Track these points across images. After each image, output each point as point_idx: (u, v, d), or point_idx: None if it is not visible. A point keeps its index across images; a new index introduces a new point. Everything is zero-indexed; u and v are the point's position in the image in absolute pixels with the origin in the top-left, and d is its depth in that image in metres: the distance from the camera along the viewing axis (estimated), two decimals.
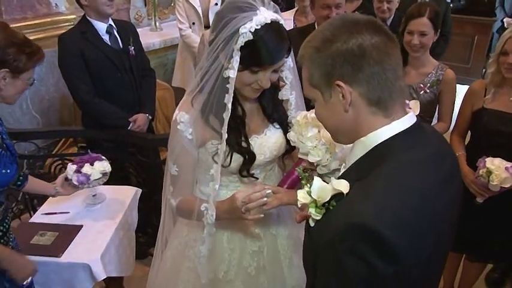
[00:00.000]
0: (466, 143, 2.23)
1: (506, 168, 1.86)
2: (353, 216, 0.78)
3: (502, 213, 2.05)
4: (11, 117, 3.06)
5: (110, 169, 1.92)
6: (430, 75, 2.23)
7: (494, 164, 1.90)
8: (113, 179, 2.00)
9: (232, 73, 1.20)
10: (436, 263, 0.90)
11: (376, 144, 0.87)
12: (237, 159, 1.34)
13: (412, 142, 0.87)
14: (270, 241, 1.49)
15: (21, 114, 3.15)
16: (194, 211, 1.35)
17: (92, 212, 2.05)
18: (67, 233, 1.89)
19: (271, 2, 1.24)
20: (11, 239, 1.66)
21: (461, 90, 2.29)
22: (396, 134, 0.87)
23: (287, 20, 2.80)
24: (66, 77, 2.49)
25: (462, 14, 5.48)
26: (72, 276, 1.78)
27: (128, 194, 2.20)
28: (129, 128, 2.58)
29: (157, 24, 4.32)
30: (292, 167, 1.39)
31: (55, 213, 2.04)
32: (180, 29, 3.64)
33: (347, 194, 0.84)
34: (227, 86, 1.22)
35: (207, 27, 3.56)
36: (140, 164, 2.59)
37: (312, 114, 1.29)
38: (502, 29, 5.59)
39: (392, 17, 3.03)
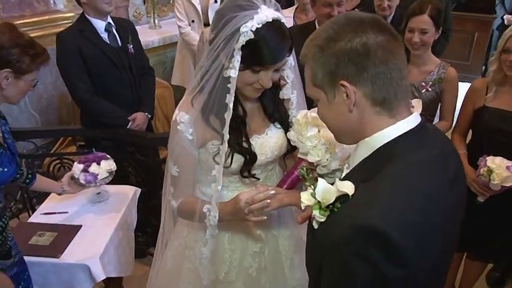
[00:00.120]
0: (467, 142, 2.22)
1: (508, 167, 1.85)
2: (359, 218, 0.77)
3: (502, 213, 2.04)
4: (9, 116, 2.99)
5: (115, 168, 1.96)
6: (432, 74, 2.21)
7: (495, 162, 1.89)
8: (112, 178, 2.00)
9: (233, 73, 1.19)
10: (443, 264, 0.89)
11: (381, 144, 0.86)
12: (238, 160, 1.32)
13: (418, 143, 0.86)
14: (271, 242, 1.48)
15: (19, 113, 3.13)
16: (196, 213, 1.34)
17: (91, 212, 2.04)
18: (66, 233, 1.88)
19: (272, 0, 1.22)
20: (8, 239, 1.65)
21: (461, 87, 2.28)
22: (401, 135, 0.86)
23: (287, 18, 2.77)
24: (65, 76, 2.47)
25: (462, 11, 5.46)
26: (71, 277, 1.77)
27: (127, 194, 2.18)
28: (128, 127, 2.57)
29: (156, 22, 4.30)
30: (292, 167, 1.37)
31: (54, 213, 2.03)
32: (179, 27, 3.62)
33: (352, 195, 0.82)
34: (228, 85, 1.21)
35: (206, 25, 3.54)
36: (139, 163, 2.58)
37: (312, 113, 1.28)
38: (502, 26, 5.58)
39: (392, 15, 3.01)
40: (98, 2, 2.39)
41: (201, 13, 3.61)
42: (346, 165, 0.98)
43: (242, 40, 1.15)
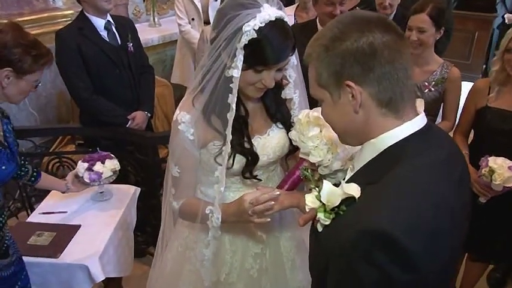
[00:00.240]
0: (469, 142, 2.21)
1: (509, 168, 1.84)
2: (367, 222, 0.75)
3: (504, 214, 2.03)
4: None
5: (119, 167, 1.98)
6: (435, 73, 2.20)
7: (497, 163, 1.88)
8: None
9: (236, 72, 1.17)
10: (450, 268, 0.88)
11: (387, 146, 0.85)
12: (240, 161, 1.31)
13: (425, 144, 0.84)
14: (272, 243, 1.47)
15: (18, 111, 3.10)
16: (199, 214, 1.32)
17: (90, 211, 2.02)
18: (65, 233, 1.86)
19: None
20: (6, 238, 1.64)
21: (462, 86, 2.27)
22: (408, 136, 0.84)
23: (288, 16, 2.76)
24: (64, 74, 2.45)
25: (463, 10, 5.45)
26: (70, 277, 1.75)
27: (126, 193, 2.17)
28: (127, 126, 2.55)
29: (156, 19, 4.28)
30: (293, 167, 1.36)
31: (53, 212, 2.01)
32: (179, 25, 3.60)
33: (358, 198, 0.81)
34: (230, 85, 1.19)
35: (206, 23, 3.53)
36: (139, 162, 2.56)
37: (314, 113, 1.26)
38: (503, 24, 5.58)
39: (394, 14, 2.99)
40: (98, 0, 2.37)
41: (201, 11, 3.59)
42: (351, 166, 0.97)
43: (245, 39, 1.13)
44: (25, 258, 1.71)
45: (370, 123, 0.85)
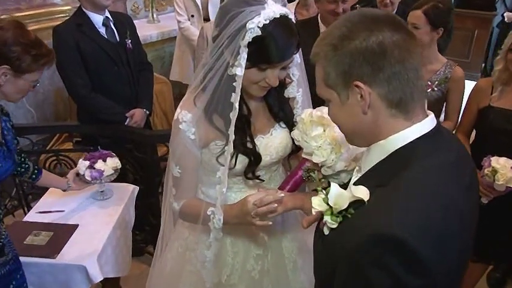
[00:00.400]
0: (470, 142, 2.19)
1: None
2: (378, 226, 0.73)
3: (506, 214, 2.01)
4: None
5: (121, 165, 1.99)
6: (438, 73, 2.18)
7: (499, 163, 1.86)
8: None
9: (239, 71, 1.14)
10: (459, 272, 0.86)
11: (396, 148, 0.83)
12: (242, 161, 1.28)
13: (435, 146, 0.82)
14: (274, 244, 1.45)
15: (15, 108, 3.06)
16: (200, 216, 1.29)
17: (87, 210, 2.00)
18: (62, 233, 1.83)
19: None
20: (2, 236, 1.62)
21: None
22: (417, 138, 0.82)
23: None
24: (61, 71, 2.41)
25: (462, 8, 5.43)
26: (68, 277, 1.73)
27: (125, 192, 2.14)
28: (126, 124, 2.52)
29: (154, 16, 4.25)
30: (296, 167, 1.33)
31: (50, 211, 1.98)
32: (179, 22, 3.57)
33: (368, 201, 0.79)
34: (234, 84, 1.16)
35: (206, 19, 3.50)
36: (137, 161, 2.53)
37: (317, 112, 1.24)
38: (502, 23, 5.57)
39: (395, 11, 2.97)
40: None
41: (200, 8, 3.56)
42: (357, 168, 0.94)
43: (248, 37, 1.11)
44: (22, 258, 1.68)
45: (379, 125, 0.83)
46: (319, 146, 1.23)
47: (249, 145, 1.28)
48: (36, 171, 1.82)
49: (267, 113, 1.36)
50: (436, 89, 2.17)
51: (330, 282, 0.84)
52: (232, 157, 1.26)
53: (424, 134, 0.83)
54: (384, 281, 0.72)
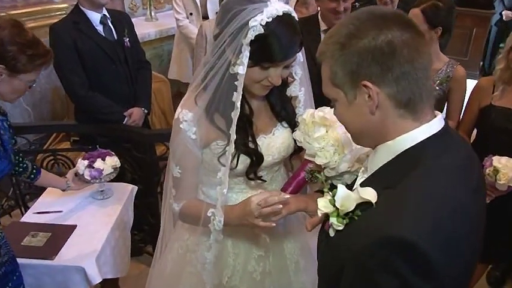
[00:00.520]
0: (471, 141, 2.18)
1: None
2: (386, 228, 0.72)
3: (508, 214, 2.00)
4: None
5: (120, 164, 1.97)
6: (440, 72, 2.17)
7: (501, 162, 1.85)
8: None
9: (241, 69, 1.12)
10: (467, 275, 0.85)
11: (404, 149, 0.81)
12: (244, 161, 1.26)
13: (443, 147, 0.81)
14: (275, 245, 1.43)
15: (11, 107, 3.02)
16: (201, 217, 1.27)
17: (86, 211, 1.98)
18: (60, 234, 1.81)
19: None
20: None
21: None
22: (426, 139, 0.80)
23: None
24: (59, 70, 2.39)
25: (461, 7, 5.42)
26: (66, 279, 1.71)
27: (123, 192, 2.12)
28: (124, 123, 2.50)
29: (152, 14, 4.22)
30: (298, 168, 1.31)
31: (47, 212, 1.96)
32: (177, 20, 3.55)
33: (376, 203, 0.77)
34: (235, 83, 1.14)
35: (205, 17, 3.48)
36: (136, 160, 2.51)
37: (319, 112, 1.22)
38: (501, 21, 5.58)
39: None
40: None
41: (199, 5, 3.53)
42: (363, 168, 0.93)
43: (251, 35, 1.09)
44: (19, 260, 1.66)
45: (387, 125, 0.81)
46: (322, 148, 1.20)
47: (250, 145, 1.26)
48: (34, 171, 1.81)
49: (269, 112, 1.34)
50: (437, 88, 2.16)
51: (336, 283, 0.82)
52: (233, 157, 1.24)
53: (432, 135, 0.81)
54: (392, 284, 0.71)
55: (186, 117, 1.22)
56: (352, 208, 0.79)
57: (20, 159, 1.78)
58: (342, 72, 0.81)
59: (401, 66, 0.77)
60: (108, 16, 2.47)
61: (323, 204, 0.83)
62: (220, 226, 1.24)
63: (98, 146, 2.03)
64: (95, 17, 2.40)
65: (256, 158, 1.27)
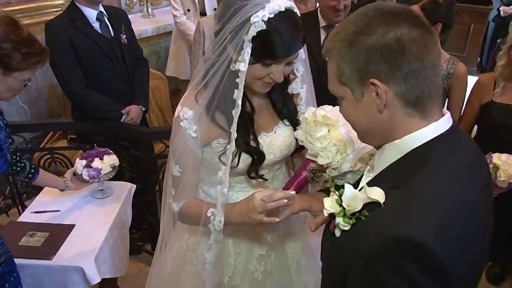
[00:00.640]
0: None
1: None
2: (395, 229, 0.70)
3: (509, 214, 1.99)
4: None
5: (118, 163, 1.95)
6: (441, 69, 2.15)
7: (501, 159, 1.84)
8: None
9: (242, 66, 1.10)
10: (476, 274, 0.84)
11: (412, 148, 0.79)
12: (245, 160, 1.24)
13: (451, 147, 0.79)
14: (277, 245, 1.41)
15: (7, 105, 2.97)
16: (201, 217, 1.25)
17: (84, 210, 1.96)
18: (58, 234, 1.79)
19: None
20: None
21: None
22: (434, 138, 0.79)
23: None
24: (55, 67, 2.36)
25: (458, 2, 5.41)
26: (65, 279, 1.69)
27: (122, 190, 2.10)
28: (122, 121, 2.47)
29: (149, 10, 4.18)
30: (300, 168, 1.29)
31: (45, 211, 1.93)
32: (175, 16, 3.52)
33: (383, 203, 0.76)
34: (236, 80, 1.12)
35: (202, 14, 3.45)
36: (134, 158, 2.49)
37: (321, 111, 1.20)
38: (498, 17, 5.57)
39: None
40: None
41: (197, 2, 3.50)
42: (368, 167, 0.91)
43: (253, 31, 1.07)
44: (17, 260, 1.64)
45: (395, 124, 0.80)
46: (324, 148, 1.19)
47: (252, 143, 1.24)
48: (32, 170, 1.79)
49: (271, 110, 1.32)
50: None
51: (342, 283, 0.81)
52: (234, 156, 1.22)
53: (440, 134, 0.80)
54: (400, 285, 0.70)
55: (187, 115, 1.20)
56: (359, 208, 0.78)
57: (18, 158, 1.76)
58: (349, 69, 0.79)
59: (410, 64, 0.75)
60: (105, 13, 2.44)
61: (329, 204, 0.81)
62: (221, 226, 1.22)
63: (95, 144, 2.01)
64: (91, 13, 2.37)
65: (258, 156, 1.25)
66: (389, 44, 0.75)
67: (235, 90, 1.13)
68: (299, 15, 1.15)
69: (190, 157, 1.26)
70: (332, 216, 0.83)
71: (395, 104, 0.78)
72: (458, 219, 0.73)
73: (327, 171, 1.21)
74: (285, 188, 1.27)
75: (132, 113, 2.50)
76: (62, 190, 1.90)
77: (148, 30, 3.90)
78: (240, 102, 1.14)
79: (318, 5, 2.48)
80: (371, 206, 0.77)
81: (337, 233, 0.82)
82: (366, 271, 0.74)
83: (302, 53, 1.24)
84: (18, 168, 1.76)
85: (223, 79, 1.14)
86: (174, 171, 1.28)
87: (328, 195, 0.86)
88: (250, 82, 1.17)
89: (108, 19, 2.44)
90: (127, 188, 2.12)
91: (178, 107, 1.23)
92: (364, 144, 1.15)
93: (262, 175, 1.30)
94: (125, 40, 2.49)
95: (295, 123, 1.32)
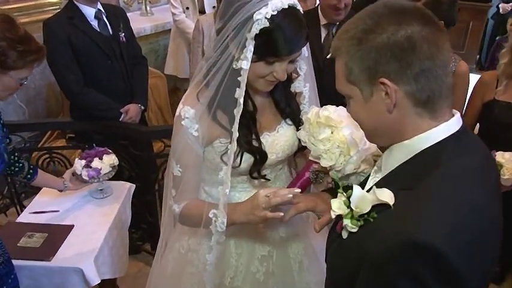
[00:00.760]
0: None
1: None
2: (406, 232, 0.68)
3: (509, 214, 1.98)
4: None
5: (118, 162, 1.93)
6: None
7: (504, 157, 1.83)
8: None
9: (245, 64, 1.08)
10: (486, 278, 0.82)
11: (421, 149, 0.78)
12: (248, 160, 1.22)
13: (462, 148, 0.78)
14: (279, 245, 1.39)
15: (5, 104, 2.97)
16: (203, 218, 1.23)
17: (83, 210, 1.94)
18: (57, 234, 1.77)
19: None
20: None
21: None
22: (444, 139, 0.77)
23: None
24: (53, 66, 2.34)
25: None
26: (64, 280, 1.67)
27: (121, 190, 2.08)
28: (121, 120, 2.45)
29: (148, 8, 4.16)
30: (302, 169, 1.27)
31: (44, 211, 1.91)
32: (174, 14, 3.49)
33: (393, 205, 0.74)
34: (238, 78, 1.10)
35: (201, 12, 3.43)
36: (133, 158, 2.47)
37: (324, 111, 1.18)
38: (497, 14, 5.57)
39: None
40: None
41: (195, 0, 3.47)
42: (375, 168, 0.89)
43: (256, 28, 1.05)
44: (15, 262, 1.62)
45: (404, 124, 0.78)
46: (327, 149, 1.16)
47: (254, 143, 1.22)
48: (31, 171, 1.77)
49: (273, 109, 1.30)
50: None
51: (349, 285, 0.79)
52: (236, 156, 1.20)
53: (450, 135, 0.78)
54: None
55: (188, 114, 1.18)
56: (367, 210, 0.76)
57: (16, 158, 1.74)
58: (358, 68, 0.77)
59: (421, 63, 0.73)
60: (103, 11, 2.41)
61: (337, 206, 0.79)
62: (223, 227, 1.20)
63: (94, 143, 1.99)
64: (89, 11, 2.35)
65: (260, 156, 1.23)
66: (400, 43, 0.73)
67: (237, 89, 1.11)
68: (302, 12, 1.13)
69: (192, 156, 1.24)
70: (339, 217, 0.82)
71: (405, 104, 0.76)
72: (469, 222, 0.71)
73: (330, 173, 1.19)
74: (288, 188, 1.25)
75: (131, 111, 2.48)
76: (60, 191, 1.88)
77: (147, 29, 3.88)
78: (242, 101, 1.12)
79: (318, 2, 2.46)
80: (380, 207, 0.75)
81: (344, 235, 0.80)
82: (375, 275, 0.72)
83: (305, 50, 1.22)
84: (17, 169, 1.74)
85: (225, 77, 1.12)
86: (175, 171, 1.25)
87: (332, 195, 0.84)
88: (252, 80, 1.15)
89: (106, 17, 2.42)
90: (126, 188, 2.10)
91: (180, 106, 1.21)
92: (367, 145, 1.14)
93: (265, 175, 1.28)
94: (124, 38, 2.47)
95: (297, 123, 1.30)
